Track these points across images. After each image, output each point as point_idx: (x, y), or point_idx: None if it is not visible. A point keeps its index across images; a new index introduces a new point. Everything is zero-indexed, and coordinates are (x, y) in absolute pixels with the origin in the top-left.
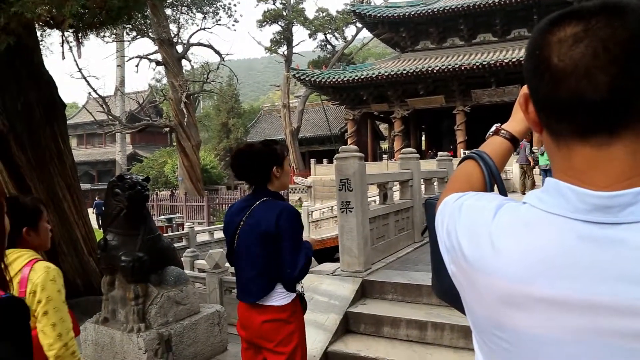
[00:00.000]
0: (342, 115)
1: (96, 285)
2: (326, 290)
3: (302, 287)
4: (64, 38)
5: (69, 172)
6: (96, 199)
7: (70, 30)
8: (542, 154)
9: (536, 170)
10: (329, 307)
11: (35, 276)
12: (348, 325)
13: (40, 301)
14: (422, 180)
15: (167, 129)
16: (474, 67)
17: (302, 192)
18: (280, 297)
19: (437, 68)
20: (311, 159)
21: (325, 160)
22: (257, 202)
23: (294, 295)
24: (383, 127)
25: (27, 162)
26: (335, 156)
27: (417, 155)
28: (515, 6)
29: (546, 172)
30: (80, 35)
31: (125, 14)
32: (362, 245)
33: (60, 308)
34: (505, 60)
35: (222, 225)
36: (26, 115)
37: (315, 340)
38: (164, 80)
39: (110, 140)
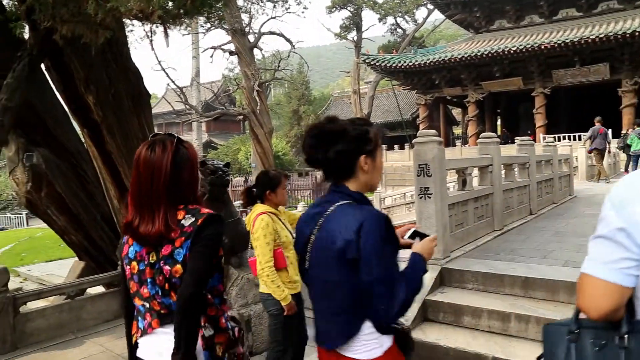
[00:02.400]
0: (413, 101)
1: None
2: None
3: (405, 321)
4: (151, 30)
5: None
6: None
7: (158, 22)
8: (638, 137)
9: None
10: None
11: (256, 224)
12: (426, 314)
13: (254, 239)
14: (502, 165)
15: (240, 117)
16: (556, 45)
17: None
18: (370, 346)
19: (515, 48)
20: (382, 145)
21: (396, 146)
22: (332, 208)
23: (389, 341)
24: (456, 112)
25: (117, 150)
26: (414, 141)
27: (497, 139)
28: None
29: (638, 158)
30: (165, 26)
31: (210, 3)
32: (441, 233)
33: (261, 245)
34: (591, 37)
35: (296, 211)
36: (116, 105)
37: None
38: (237, 70)
39: (187, 129)
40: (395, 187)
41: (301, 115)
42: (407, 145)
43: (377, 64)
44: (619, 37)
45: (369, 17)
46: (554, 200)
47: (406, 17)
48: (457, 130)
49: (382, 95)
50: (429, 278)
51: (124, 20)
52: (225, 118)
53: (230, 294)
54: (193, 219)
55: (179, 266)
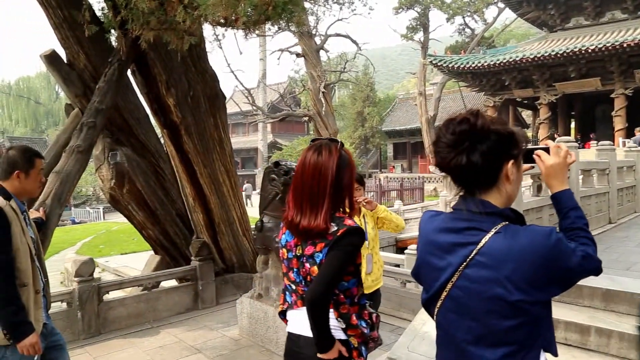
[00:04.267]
0: (480, 102)
1: (248, 263)
2: None
3: None
4: (235, 35)
5: (228, 159)
6: (245, 182)
7: (241, 28)
8: None
9: None
10: None
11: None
12: None
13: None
14: (579, 171)
15: (305, 118)
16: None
17: (437, 181)
18: None
19: (593, 47)
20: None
21: None
22: (490, 233)
23: None
24: (525, 114)
25: (194, 149)
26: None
27: (575, 144)
28: None
29: None
30: (247, 32)
31: (290, 8)
32: None
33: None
34: None
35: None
36: (194, 106)
37: None
38: (302, 72)
39: (253, 130)
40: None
41: (365, 117)
42: None
43: (444, 65)
44: None
45: (436, 17)
46: (636, 209)
47: (475, 16)
48: (529, 133)
49: (448, 97)
50: None
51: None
52: (290, 119)
53: None
54: (335, 229)
55: (315, 267)
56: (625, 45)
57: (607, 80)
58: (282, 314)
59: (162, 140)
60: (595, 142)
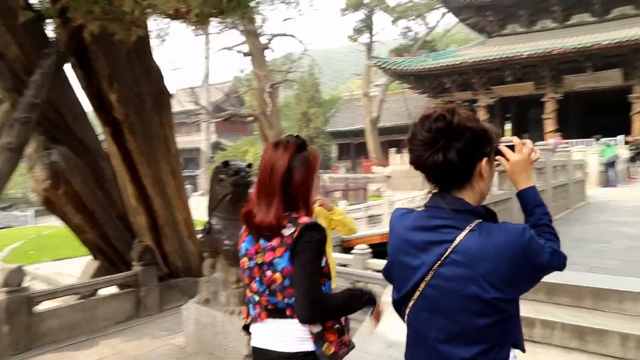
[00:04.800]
0: (423, 104)
1: (194, 267)
2: None
3: None
4: (181, 31)
5: (173, 158)
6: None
7: (194, 21)
8: (608, 147)
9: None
10: None
11: None
12: None
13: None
14: None
15: (250, 118)
16: (568, 50)
17: (380, 182)
18: None
19: (527, 53)
20: (390, 149)
21: (404, 150)
22: (465, 231)
23: None
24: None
25: (137, 148)
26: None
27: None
28: None
29: (611, 165)
30: (197, 26)
31: (245, 2)
32: None
33: None
34: (604, 42)
35: None
36: (139, 104)
37: None
38: (247, 71)
39: (196, 129)
40: (403, 191)
41: (310, 117)
42: None
43: (389, 67)
44: (632, 43)
45: (381, 20)
46: (569, 205)
47: (418, 20)
48: None
49: (391, 98)
50: None
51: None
52: (233, 119)
53: None
54: (292, 229)
55: (277, 275)
56: (555, 52)
57: (539, 85)
58: (246, 328)
59: (102, 138)
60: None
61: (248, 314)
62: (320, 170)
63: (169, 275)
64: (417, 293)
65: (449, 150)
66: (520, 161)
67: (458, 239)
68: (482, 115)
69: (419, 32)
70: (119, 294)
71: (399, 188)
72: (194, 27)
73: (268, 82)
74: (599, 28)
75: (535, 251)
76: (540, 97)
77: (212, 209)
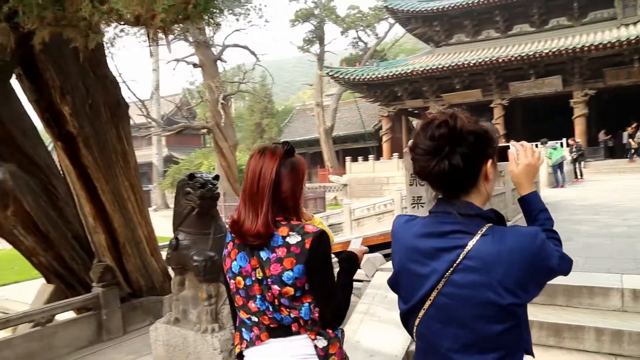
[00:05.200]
0: (375, 113)
1: (157, 286)
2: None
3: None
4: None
5: (132, 172)
6: None
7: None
8: (554, 149)
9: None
10: None
11: None
12: None
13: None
14: None
15: (203, 131)
16: (512, 58)
17: (337, 190)
18: None
19: (474, 61)
20: (345, 157)
21: (360, 158)
22: (477, 236)
23: None
24: (417, 123)
25: (94, 163)
26: (405, 150)
27: None
28: None
29: (559, 167)
30: (159, 33)
31: (212, 8)
32: None
33: None
34: (544, 51)
35: None
36: (94, 116)
37: (395, 341)
38: (198, 83)
39: (146, 143)
40: (360, 199)
41: (264, 128)
42: (370, 157)
43: (341, 76)
44: (570, 51)
45: (331, 30)
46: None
47: (368, 30)
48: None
49: (344, 107)
50: None
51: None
52: (186, 132)
53: (222, 313)
54: (299, 238)
55: (289, 288)
56: (500, 60)
57: (487, 92)
58: (240, 356)
59: (54, 154)
60: None
61: (241, 339)
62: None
63: (132, 295)
64: (428, 302)
65: (453, 156)
66: (531, 165)
67: (470, 244)
68: None
69: (369, 42)
70: (78, 318)
71: (356, 196)
72: (154, 35)
73: (221, 93)
74: (539, 37)
75: (546, 255)
76: (488, 103)
77: (178, 223)
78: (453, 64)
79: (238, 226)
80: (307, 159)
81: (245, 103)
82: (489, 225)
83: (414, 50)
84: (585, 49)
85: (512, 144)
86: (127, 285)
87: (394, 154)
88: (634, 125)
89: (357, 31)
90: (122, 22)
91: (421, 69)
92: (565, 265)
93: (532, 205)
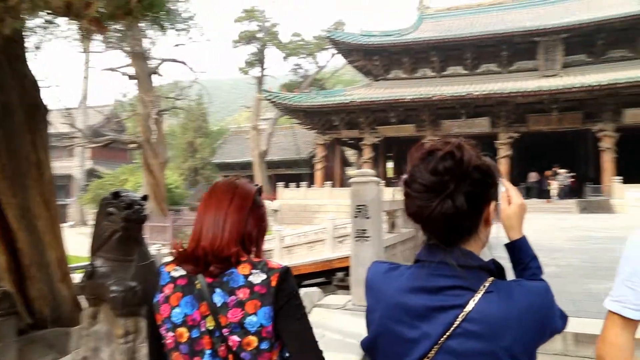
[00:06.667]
0: (311, 140)
1: (66, 316)
2: (338, 327)
3: None
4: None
5: (47, 186)
6: None
7: (90, 19)
8: None
9: None
10: (344, 346)
11: None
12: None
13: None
14: None
15: (133, 145)
16: (445, 97)
17: (268, 216)
18: None
19: (410, 97)
20: (278, 183)
21: (292, 184)
22: (479, 294)
23: None
24: (349, 153)
25: (0, 172)
26: (351, 180)
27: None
28: (485, 42)
29: None
30: (93, 28)
31: (160, 4)
32: None
33: None
34: (475, 93)
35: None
36: (6, 118)
37: None
38: (130, 95)
39: (68, 154)
40: (291, 225)
41: (197, 147)
42: (303, 183)
43: (279, 101)
44: (497, 95)
45: (273, 55)
46: None
47: (309, 58)
48: (350, 172)
49: (280, 132)
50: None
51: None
52: (113, 145)
53: (141, 352)
54: (264, 276)
55: (252, 338)
56: (434, 98)
57: (420, 127)
58: None
59: None
60: None
61: None
62: None
63: (33, 326)
64: None
65: (458, 195)
66: (521, 206)
67: (472, 303)
68: (367, 153)
69: (309, 70)
70: None
71: (287, 222)
72: (86, 31)
73: (154, 108)
74: (470, 80)
75: (555, 314)
76: (420, 138)
77: (96, 248)
78: (390, 98)
79: (190, 249)
80: None
81: (179, 120)
82: (491, 279)
83: (352, 82)
84: (512, 94)
85: (502, 182)
86: (29, 315)
87: (326, 182)
88: (553, 169)
89: (298, 58)
90: (49, 11)
91: (359, 100)
92: (564, 324)
93: (523, 253)
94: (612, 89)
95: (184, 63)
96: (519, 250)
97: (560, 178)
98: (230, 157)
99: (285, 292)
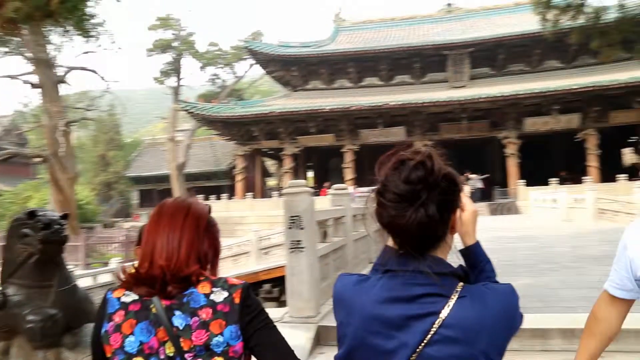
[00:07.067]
0: (230, 151)
1: None
2: None
3: None
4: None
5: None
6: None
7: (5, 21)
8: None
9: None
10: None
11: None
12: None
13: None
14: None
15: (38, 159)
16: (363, 108)
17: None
18: None
19: (329, 108)
20: (197, 196)
21: (213, 196)
22: (453, 299)
23: None
24: (269, 164)
25: None
26: (284, 191)
27: (349, 191)
28: (399, 54)
29: None
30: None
31: (83, 7)
32: (314, 288)
33: None
34: (391, 103)
35: (106, 267)
36: None
37: None
38: (33, 105)
39: None
40: None
41: (109, 161)
42: (223, 195)
43: (197, 112)
44: (412, 105)
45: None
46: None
47: (227, 68)
48: (271, 182)
49: (198, 144)
50: (305, 339)
51: None
52: (13, 160)
53: None
54: (226, 294)
55: (218, 359)
56: (352, 108)
57: (339, 137)
58: None
59: None
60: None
61: None
62: (120, 219)
63: None
64: None
65: (430, 204)
66: (474, 212)
67: (447, 309)
68: (287, 163)
69: (227, 80)
70: None
71: None
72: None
73: (62, 119)
74: (386, 91)
75: (518, 314)
76: (340, 148)
77: (8, 274)
78: (309, 109)
79: (143, 269)
80: (155, 195)
81: (90, 132)
82: (462, 285)
83: (270, 92)
84: (425, 104)
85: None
86: None
87: (247, 194)
88: (465, 174)
89: (216, 68)
90: None
91: (278, 110)
92: (520, 323)
93: (479, 257)
94: (514, 100)
95: (94, 72)
96: (475, 254)
97: (471, 182)
98: (146, 170)
99: (251, 307)
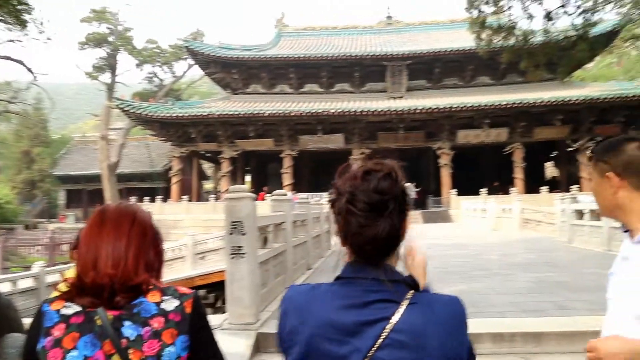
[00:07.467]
0: (166, 152)
1: None
2: (220, 349)
3: None
4: None
5: None
6: None
7: None
8: None
9: None
10: None
11: None
12: None
13: None
14: (291, 222)
15: None
16: (302, 114)
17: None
18: None
19: (269, 112)
20: (130, 197)
21: (146, 198)
22: (404, 305)
23: None
24: (206, 166)
25: None
26: (225, 196)
27: (289, 197)
28: (339, 63)
29: None
30: None
31: None
32: (254, 294)
33: None
34: (331, 110)
35: (28, 272)
36: None
37: None
38: None
39: None
40: None
41: (34, 157)
42: (158, 197)
43: (132, 110)
44: (352, 114)
45: (125, 61)
46: (322, 254)
47: (165, 67)
48: (207, 185)
49: (132, 143)
50: (244, 346)
51: None
52: None
53: None
54: (177, 302)
55: None
56: (292, 114)
57: (278, 142)
58: None
59: None
60: (270, 194)
61: None
62: (44, 220)
63: None
64: None
65: (394, 214)
66: (423, 259)
67: (398, 314)
68: (225, 166)
69: (165, 79)
70: None
71: None
72: None
73: None
74: (326, 98)
75: (467, 328)
76: (279, 153)
77: None
78: (249, 112)
79: (93, 280)
80: (84, 195)
81: (12, 126)
82: (412, 292)
83: (209, 94)
84: (364, 113)
85: (408, 241)
86: None
87: (183, 196)
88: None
89: (153, 66)
90: None
91: (217, 113)
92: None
93: None
94: (448, 112)
95: (20, 62)
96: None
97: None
98: (75, 169)
99: (202, 317)
